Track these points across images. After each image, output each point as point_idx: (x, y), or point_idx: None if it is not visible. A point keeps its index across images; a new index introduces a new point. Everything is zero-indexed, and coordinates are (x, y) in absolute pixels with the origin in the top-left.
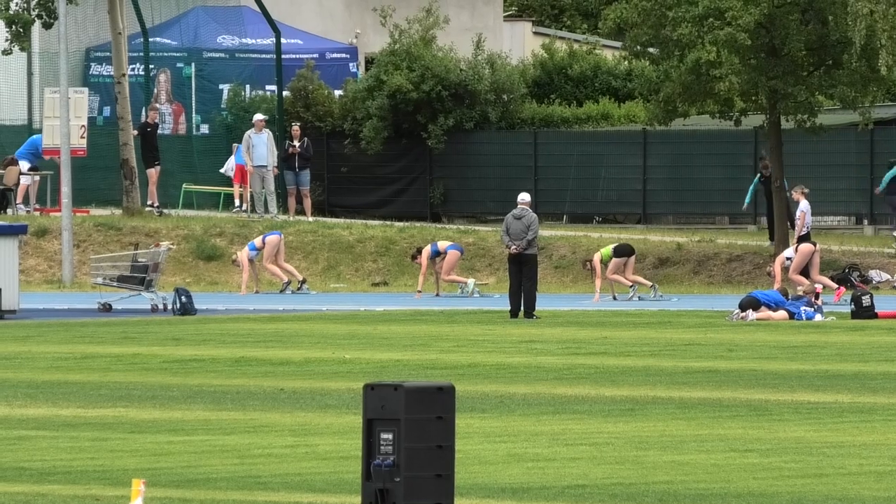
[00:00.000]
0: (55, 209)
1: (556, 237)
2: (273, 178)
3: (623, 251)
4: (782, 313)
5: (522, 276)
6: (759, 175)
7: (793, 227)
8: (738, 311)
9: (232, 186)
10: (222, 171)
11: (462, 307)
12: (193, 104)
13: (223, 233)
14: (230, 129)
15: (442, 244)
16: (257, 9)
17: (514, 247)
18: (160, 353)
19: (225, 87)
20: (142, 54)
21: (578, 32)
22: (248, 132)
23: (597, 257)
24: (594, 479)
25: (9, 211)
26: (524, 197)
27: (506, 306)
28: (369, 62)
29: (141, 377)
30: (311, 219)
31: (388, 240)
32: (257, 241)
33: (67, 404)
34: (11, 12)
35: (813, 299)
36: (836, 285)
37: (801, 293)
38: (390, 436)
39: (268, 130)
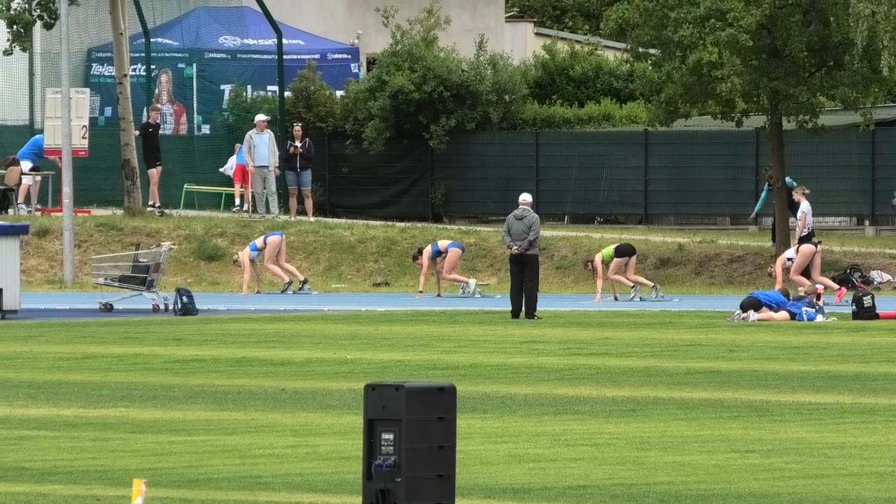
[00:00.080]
0: (56, 209)
1: (557, 238)
2: (274, 179)
3: (624, 251)
4: (783, 314)
5: (524, 276)
6: (766, 185)
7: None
8: (739, 311)
9: (233, 186)
10: (222, 170)
11: (463, 307)
12: (195, 104)
13: (224, 233)
14: (231, 130)
15: (442, 243)
16: (259, 9)
17: (515, 247)
18: (161, 353)
19: (226, 88)
20: (143, 55)
21: (580, 33)
22: (250, 132)
23: (598, 258)
24: (595, 480)
25: (10, 211)
26: (526, 197)
27: (507, 307)
28: (371, 63)
29: (142, 377)
30: (312, 219)
31: (390, 240)
32: (259, 242)
33: (69, 404)
34: (12, 12)
35: (814, 300)
36: (837, 286)
37: (802, 294)
38: (391, 436)
39: (269, 131)
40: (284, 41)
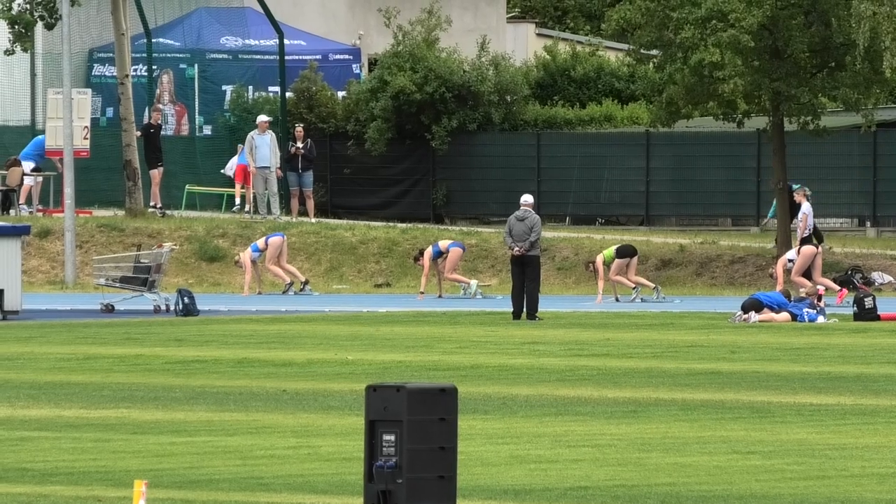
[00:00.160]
0: (58, 210)
1: (558, 238)
2: (276, 180)
3: (626, 252)
4: (785, 315)
5: (525, 277)
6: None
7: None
8: (740, 312)
9: (234, 187)
10: (223, 171)
11: (464, 308)
12: (196, 105)
13: (226, 234)
14: (233, 131)
15: (443, 243)
16: (260, 10)
17: (516, 248)
18: (163, 354)
19: (228, 89)
20: (145, 55)
21: (581, 34)
22: (252, 133)
23: (599, 259)
24: (596, 481)
25: (12, 212)
26: (527, 198)
27: (508, 308)
28: (372, 63)
29: (143, 378)
30: (313, 220)
31: (391, 241)
32: (260, 243)
33: (70, 405)
34: (14, 13)
35: (815, 301)
36: (838, 287)
37: (803, 295)
38: (393, 437)
39: (271, 132)
40: (286, 42)
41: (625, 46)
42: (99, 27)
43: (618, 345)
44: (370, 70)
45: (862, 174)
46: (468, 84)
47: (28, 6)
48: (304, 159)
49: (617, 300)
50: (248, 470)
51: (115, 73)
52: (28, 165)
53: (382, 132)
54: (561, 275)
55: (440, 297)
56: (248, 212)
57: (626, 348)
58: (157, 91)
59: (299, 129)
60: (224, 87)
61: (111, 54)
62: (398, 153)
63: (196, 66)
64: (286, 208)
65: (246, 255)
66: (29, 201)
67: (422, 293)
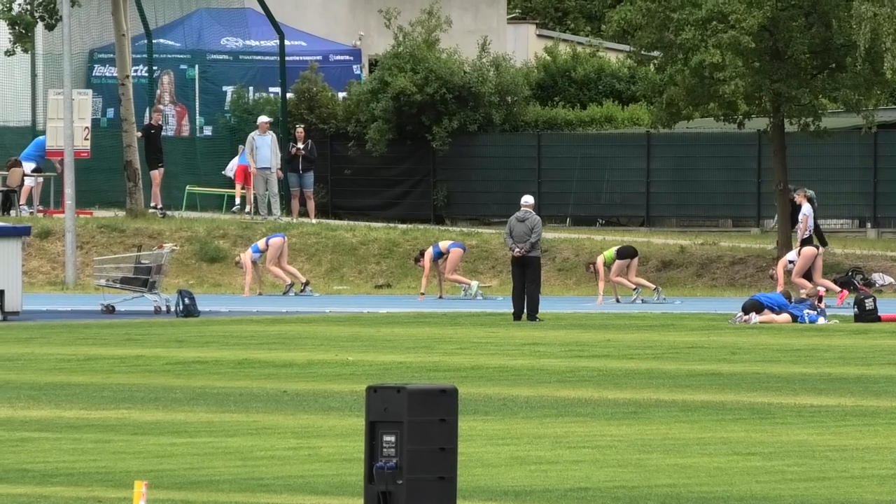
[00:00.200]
0: (58, 211)
1: (559, 239)
2: (277, 181)
3: (626, 253)
4: (785, 316)
5: (525, 278)
6: (790, 203)
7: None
8: (741, 314)
9: (234, 188)
10: (224, 172)
11: (465, 309)
12: (197, 106)
13: (226, 235)
14: (234, 131)
15: (443, 244)
16: (261, 11)
17: (517, 249)
18: (163, 354)
19: (228, 89)
20: (145, 56)
21: (582, 35)
22: (252, 134)
23: (600, 260)
24: (597, 482)
25: (12, 212)
26: (527, 199)
27: (509, 309)
28: (373, 64)
29: (144, 379)
30: (314, 221)
31: (392, 242)
32: (261, 244)
33: (70, 406)
34: (14, 14)
35: (816, 302)
36: (838, 288)
37: (804, 296)
38: (393, 438)
39: (272, 132)
40: (286, 42)
41: (625, 47)
42: (99, 28)
43: (618, 346)
44: (371, 71)
45: (862, 175)
46: (469, 85)
47: (28, 7)
48: (304, 160)
49: (617, 301)
50: (249, 471)
51: (115, 74)
52: (29, 166)
53: (383, 133)
54: (561, 276)
55: (441, 298)
56: (249, 213)
57: (627, 349)
58: (158, 92)
59: (300, 129)
60: (225, 88)
61: (112, 55)
62: (399, 154)
63: (197, 66)
64: (287, 209)
65: (246, 256)
66: (30, 202)
67: (422, 294)
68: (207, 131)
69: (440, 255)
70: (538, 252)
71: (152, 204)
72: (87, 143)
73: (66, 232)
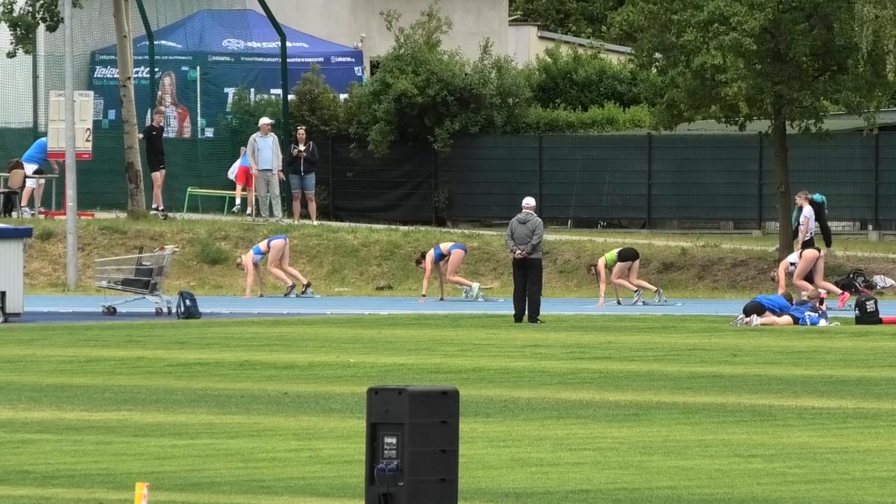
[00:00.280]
0: (60, 212)
1: (560, 241)
2: (278, 182)
3: (627, 255)
4: (787, 318)
5: (527, 280)
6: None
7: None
8: (742, 316)
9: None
10: (229, 176)
11: (466, 311)
12: (198, 108)
13: (228, 236)
14: (235, 133)
15: (445, 246)
16: (262, 12)
17: (518, 251)
18: (164, 356)
19: (230, 91)
20: (147, 57)
21: (583, 37)
22: (254, 136)
23: (601, 262)
24: (598, 484)
25: (14, 214)
26: (529, 201)
27: (510, 310)
28: (374, 66)
29: (145, 381)
30: (315, 222)
31: (393, 244)
32: (262, 245)
33: (71, 408)
34: (15, 15)
35: (817, 304)
36: (840, 290)
37: (805, 298)
38: (394, 440)
39: (273, 134)
40: (288, 44)
41: (626, 49)
42: (101, 29)
43: (619, 348)
44: (372, 73)
45: (864, 177)
46: (470, 87)
47: (30, 8)
48: (306, 162)
49: (619, 303)
50: (250, 472)
51: (117, 76)
52: (31, 168)
53: (385, 135)
54: (563, 278)
55: (442, 299)
56: (251, 214)
57: (628, 351)
58: (159, 93)
59: (301, 131)
60: (226, 90)
61: (113, 56)
62: (400, 156)
63: (198, 68)
64: (288, 211)
65: (248, 258)
66: (31, 204)
67: (423, 296)
68: (209, 133)
69: (441, 257)
70: (539, 254)
71: (154, 206)
72: (89, 145)
73: (67, 233)
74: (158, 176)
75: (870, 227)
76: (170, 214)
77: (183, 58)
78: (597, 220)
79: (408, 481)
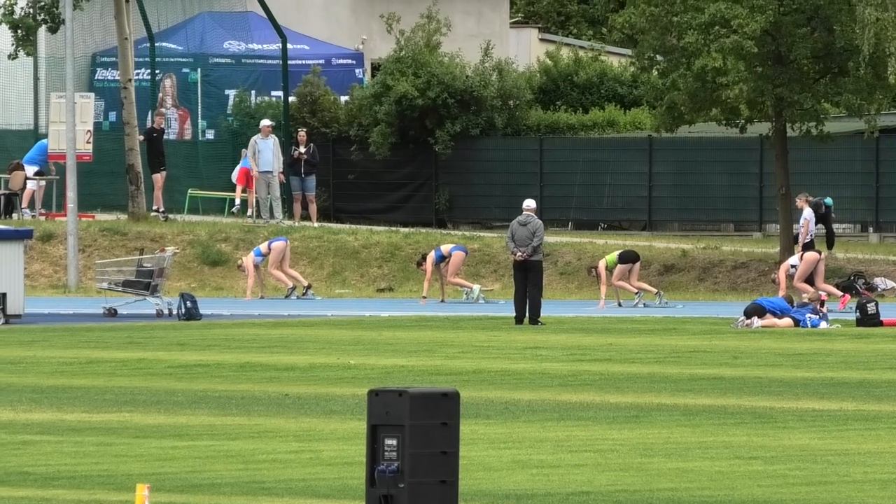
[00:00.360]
0: (61, 214)
1: (561, 244)
2: (279, 184)
3: (628, 258)
4: (787, 321)
5: (527, 282)
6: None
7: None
8: (743, 318)
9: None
10: (232, 179)
11: (467, 313)
12: (199, 109)
13: (228, 238)
14: (236, 135)
15: (445, 247)
16: (263, 14)
17: (519, 253)
18: (165, 358)
19: (231, 93)
20: (148, 59)
21: (584, 39)
22: (255, 138)
23: (602, 264)
24: (598, 486)
25: (14, 215)
26: (529, 203)
27: (511, 312)
28: (375, 68)
29: (146, 382)
30: (316, 224)
31: (394, 245)
32: (263, 247)
33: (72, 409)
34: (17, 17)
35: (818, 307)
36: (840, 293)
37: (806, 301)
38: (394, 442)
39: (274, 136)
40: (289, 46)
41: (627, 52)
42: (102, 31)
43: (620, 350)
44: (373, 75)
45: (865, 180)
46: (471, 89)
47: (31, 10)
48: (307, 164)
49: (619, 305)
50: (250, 474)
51: (118, 77)
52: (32, 169)
53: (385, 137)
54: (563, 280)
55: (443, 301)
56: (251, 216)
57: (629, 353)
58: (160, 95)
59: (302, 133)
60: (227, 92)
61: (114, 58)
62: (401, 158)
63: (199, 70)
64: (289, 213)
65: (249, 260)
66: (32, 205)
67: (424, 298)
68: (209, 135)
69: (442, 259)
70: (540, 256)
71: (154, 207)
72: (90, 147)
73: (68, 235)
74: (159, 178)
75: (870, 229)
76: (170, 216)
77: (184, 60)
78: (597, 222)
79: (408, 483)
